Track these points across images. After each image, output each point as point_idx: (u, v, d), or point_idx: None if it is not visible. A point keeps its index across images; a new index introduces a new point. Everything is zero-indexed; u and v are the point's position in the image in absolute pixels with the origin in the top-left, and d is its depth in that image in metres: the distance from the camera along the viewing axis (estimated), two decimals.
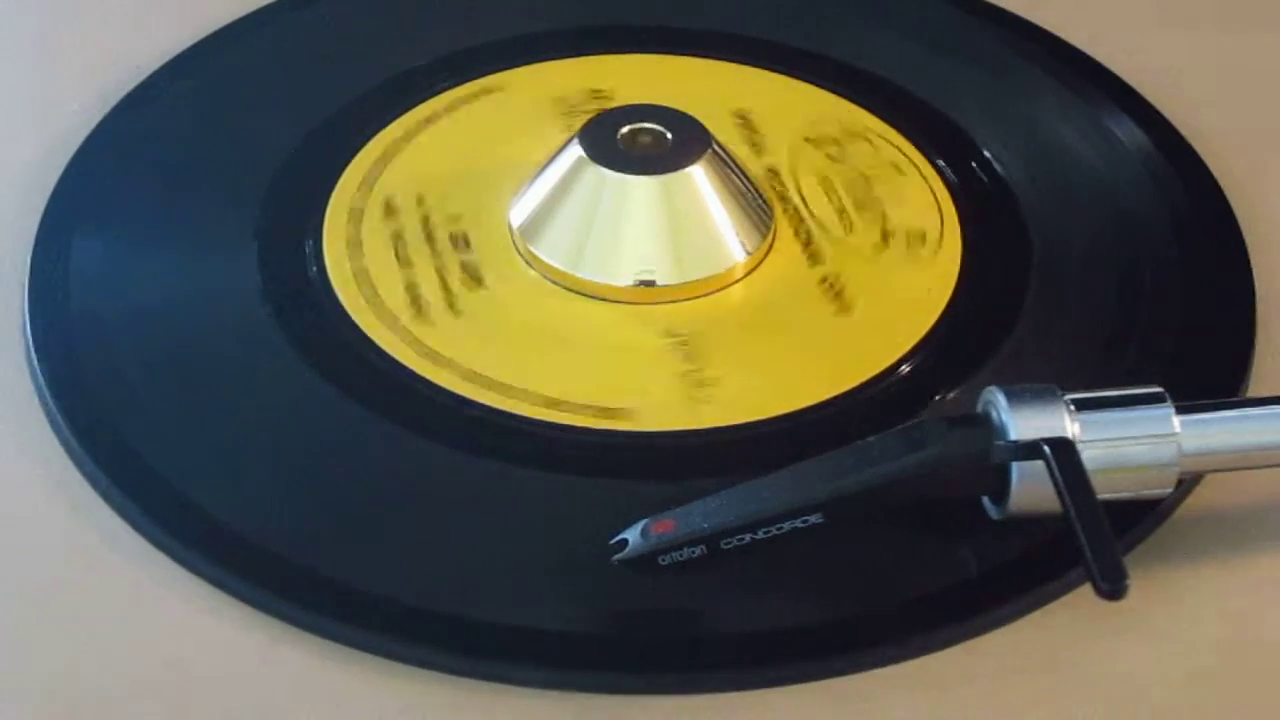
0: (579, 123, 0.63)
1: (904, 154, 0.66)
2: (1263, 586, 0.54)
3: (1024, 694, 0.51)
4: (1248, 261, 0.63)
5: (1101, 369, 0.59)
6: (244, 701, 0.51)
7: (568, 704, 0.51)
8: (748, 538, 0.51)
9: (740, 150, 0.65)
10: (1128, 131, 0.67)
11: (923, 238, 0.63)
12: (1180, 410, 0.53)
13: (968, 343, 0.60)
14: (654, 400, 0.58)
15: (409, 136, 0.66)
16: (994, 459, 0.52)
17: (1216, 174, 0.66)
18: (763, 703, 0.51)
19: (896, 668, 0.52)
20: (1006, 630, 0.53)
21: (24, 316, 0.60)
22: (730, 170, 0.62)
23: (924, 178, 0.65)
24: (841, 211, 0.64)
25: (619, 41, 0.70)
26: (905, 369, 0.59)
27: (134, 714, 0.51)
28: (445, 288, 0.61)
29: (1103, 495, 0.50)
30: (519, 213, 0.63)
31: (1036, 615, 0.53)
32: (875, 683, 0.51)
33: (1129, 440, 0.52)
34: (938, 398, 0.58)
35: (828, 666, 0.52)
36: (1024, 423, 0.51)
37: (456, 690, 0.51)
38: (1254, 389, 0.59)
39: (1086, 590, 0.50)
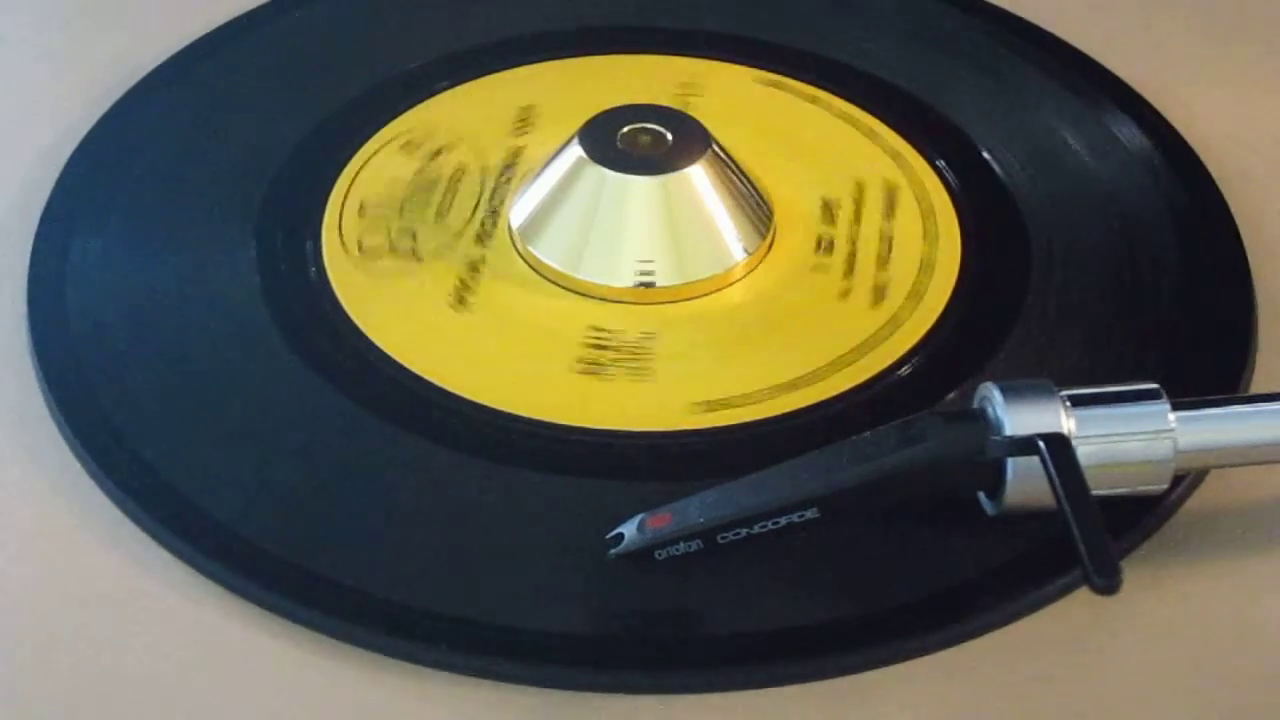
0: (578, 123, 0.63)
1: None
2: (1264, 586, 0.54)
3: (1024, 694, 0.51)
4: (1246, 261, 0.63)
5: (1101, 370, 0.59)
6: (240, 698, 0.51)
7: (565, 703, 0.51)
8: (743, 532, 0.51)
9: (738, 150, 0.64)
10: (1127, 132, 0.67)
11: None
12: (1176, 406, 0.53)
13: (967, 343, 0.60)
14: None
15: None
16: (989, 454, 0.52)
17: (1216, 174, 0.66)
18: (762, 702, 0.51)
19: (896, 668, 0.52)
20: (1006, 630, 0.53)
21: (24, 317, 0.60)
22: (730, 170, 0.62)
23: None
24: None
25: (617, 41, 0.71)
26: (905, 369, 0.59)
27: (136, 714, 0.51)
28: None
29: (1098, 491, 0.50)
30: (519, 213, 0.63)
31: (1036, 615, 0.53)
32: (875, 683, 0.51)
33: (1124, 436, 0.52)
34: (937, 398, 0.58)
35: (827, 666, 0.52)
36: (1019, 418, 0.51)
37: (454, 689, 0.51)
38: (1253, 388, 0.59)
39: (1086, 590, 0.50)
